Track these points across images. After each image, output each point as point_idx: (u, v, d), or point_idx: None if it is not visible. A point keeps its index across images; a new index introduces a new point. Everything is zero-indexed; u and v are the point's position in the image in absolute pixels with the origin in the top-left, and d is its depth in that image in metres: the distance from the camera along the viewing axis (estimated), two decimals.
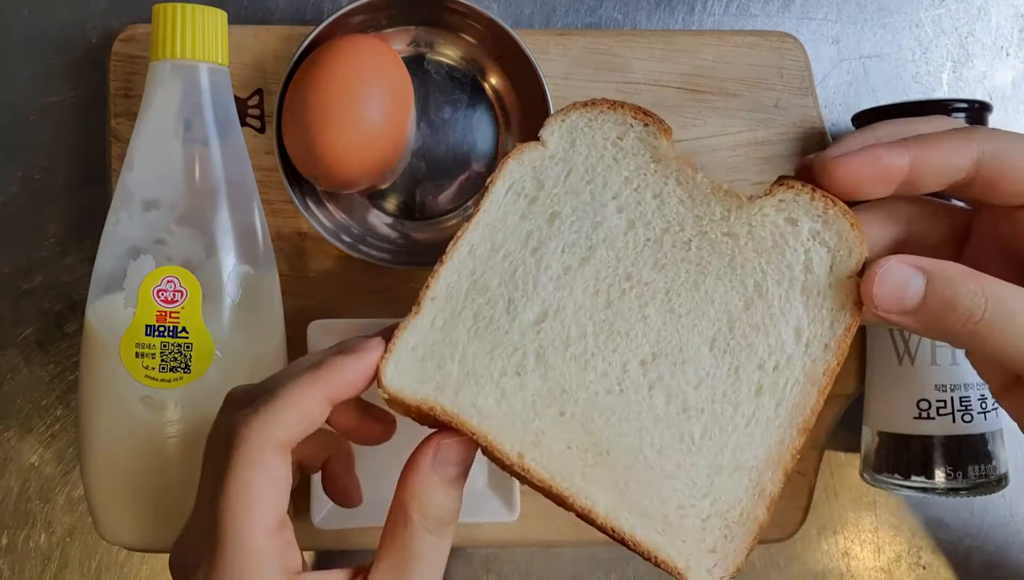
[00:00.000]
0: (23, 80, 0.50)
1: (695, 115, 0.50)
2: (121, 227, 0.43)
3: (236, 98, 0.49)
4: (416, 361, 0.36)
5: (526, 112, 0.49)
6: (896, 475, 0.47)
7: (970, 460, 0.46)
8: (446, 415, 0.35)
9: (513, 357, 0.36)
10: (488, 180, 0.38)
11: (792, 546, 0.53)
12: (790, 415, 0.36)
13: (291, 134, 0.45)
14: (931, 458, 0.46)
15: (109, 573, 0.51)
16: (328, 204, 0.49)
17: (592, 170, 0.38)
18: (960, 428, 0.46)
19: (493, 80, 0.49)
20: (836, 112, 0.53)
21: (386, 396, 0.36)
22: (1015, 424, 0.37)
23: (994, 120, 0.53)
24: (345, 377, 0.34)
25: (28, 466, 0.51)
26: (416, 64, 0.49)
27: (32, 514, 0.51)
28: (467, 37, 0.48)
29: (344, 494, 0.44)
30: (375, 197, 0.50)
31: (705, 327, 0.37)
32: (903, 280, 0.33)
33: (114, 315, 0.42)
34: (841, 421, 0.52)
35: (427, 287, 0.37)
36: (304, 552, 0.51)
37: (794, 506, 0.50)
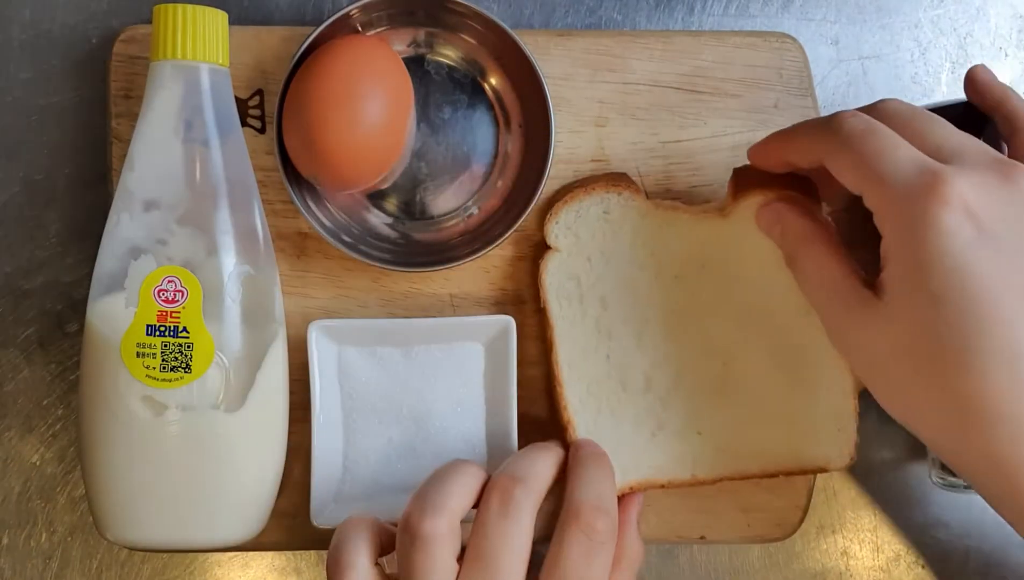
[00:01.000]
0: (24, 80, 0.51)
1: (695, 115, 0.50)
2: (122, 227, 0.43)
3: (236, 99, 0.49)
4: None
5: (526, 112, 0.49)
6: None
7: None
8: (640, 486, 0.47)
9: (649, 419, 0.47)
10: (541, 304, 0.47)
11: (791, 545, 0.53)
12: None
13: (291, 134, 0.45)
14: None
15: (110, 572, 0.51)
16: (328, 204, 0.49)
17: (604, 248, 0.47)
18: None
19: (493, 80, 0.49)
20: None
21: None
22: None
23: None
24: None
25: (29, 465, 0.51)
26: (416, 64, 0.49)
27: (33, 513, 0.51)
28: (467, 37, 0.49)
29: None
30: (375, 197, 0.50)
31: (749, 313, 0.47)
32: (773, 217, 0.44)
33: (115, 315, 0.42)
34: None
35: (564, 407, 0.47)
36: (304, 552, 0.52)
37: (793, 506, 0.51)
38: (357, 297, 0.49)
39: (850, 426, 0.47)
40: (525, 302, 0.50)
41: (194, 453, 0.42)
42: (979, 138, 0.39)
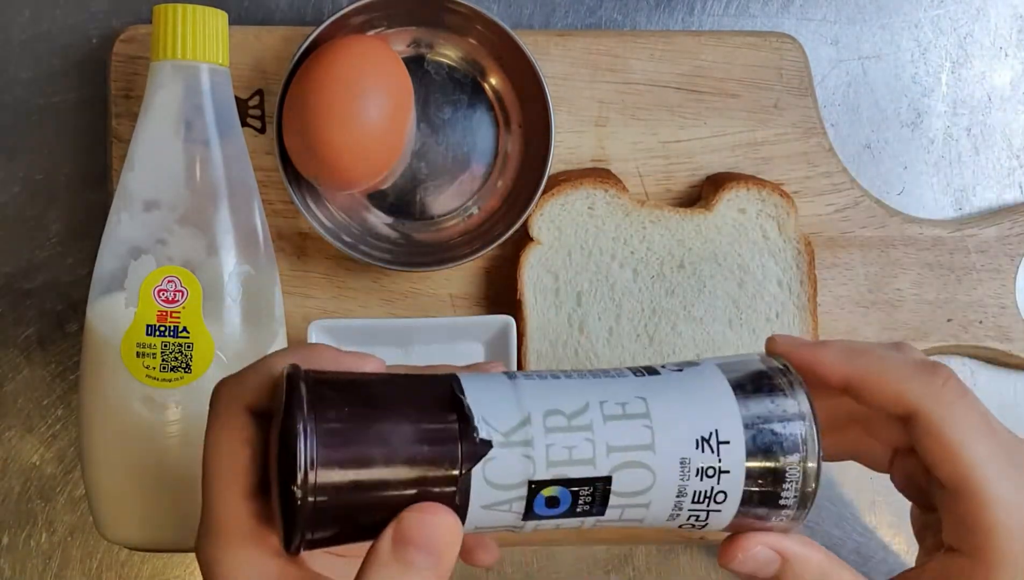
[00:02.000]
0: (24, 81, 0.51)
1: (695, 115, 0.50)
2: (122, 227, 0.43)
3: (237, 99, 0.49)
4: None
5: (526, 112, 0.49)
6: None
7: None
8: None
9: None
10: (517, 296, 0.48)
11: None
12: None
13: (291, 134, 0.45)
14: None
15: (110, 572, 0.51)
16: (328, 204, 0.49)
17: (586, 244, 0.48)
18: None
19: (493, 80, 0.49)
20: (835, 112, 0.53)
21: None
22: None
23: (993, 121, 0.53)
24: (321, 353, 0.33)
25: (29, 466, 0.51)
26: (416, 64, 0.49)
27: (33, 514, 0.51)
28: (467, 37, 0.49)
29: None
30: (375, 197, 0.50)
31: (720, 315, 0.48)
32: (763, 560, 0.33)
33: (115, 315, 0.42)
34: None
35: None
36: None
37: None
38: (357, 297, 0.49)
39: None
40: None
41: (194, 453, 0.41)
42: None
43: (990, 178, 0.53)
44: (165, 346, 0.41)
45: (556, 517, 0.30)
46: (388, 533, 0.29)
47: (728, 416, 0.31)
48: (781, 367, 0.32)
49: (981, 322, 0.51)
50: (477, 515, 0.30)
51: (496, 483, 0.29)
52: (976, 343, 0.51)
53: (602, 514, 0.31)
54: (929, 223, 0.51)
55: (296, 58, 0.46)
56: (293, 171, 0.46)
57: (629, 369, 0.34)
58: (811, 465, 0.31)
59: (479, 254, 0.47)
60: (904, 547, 0.53)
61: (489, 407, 0.29)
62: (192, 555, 0.52)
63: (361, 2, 0.46)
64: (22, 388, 0.51)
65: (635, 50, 0.50)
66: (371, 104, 0.44)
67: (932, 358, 0.50)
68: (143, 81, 0.48)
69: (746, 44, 0.50)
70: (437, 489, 0.29)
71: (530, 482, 0.29)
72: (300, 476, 0.27)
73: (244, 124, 0.49)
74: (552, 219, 0.48)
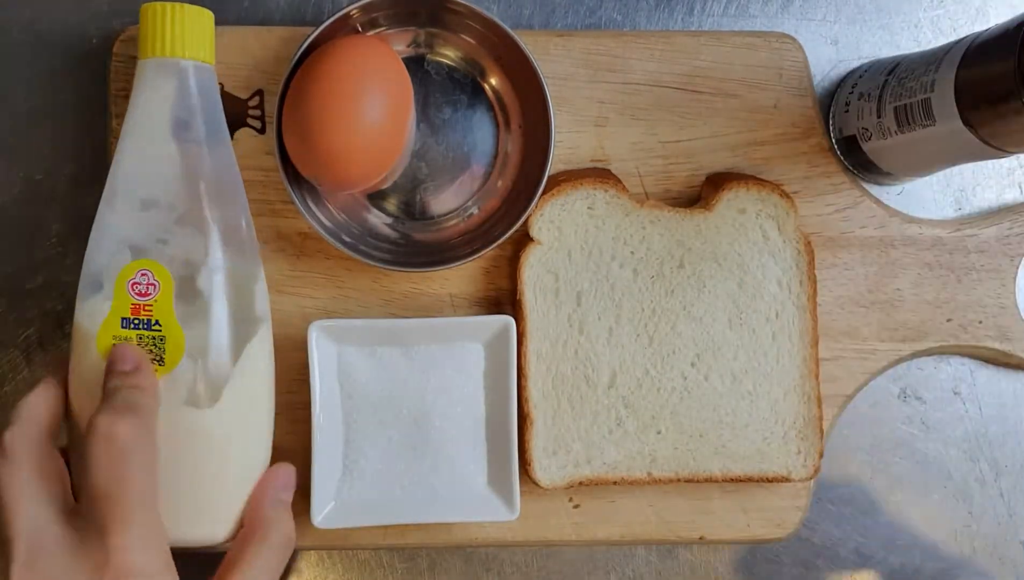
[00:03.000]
0: (24, 81, 0.51)
1: (695, 115, 0.50)
2: (105, 223, 0.43)
3: (237, 98, 0.49)
4: (551, 455, 0.48)
5: (526, 112, 0.49)
6: None
7: None
8: (589, 480, 0.48)
9: (610, 415, 0.48)
10: (517, 296, 0.48)
11: (792, 545, 0.53)
12: (801, 339, 0.49)
13: (291, 134, 0.45)
14: None
15: None
16: (328, 204, 0.49)
17: (586, 244, 0.48)
18: None
19: (493, 80, 0.49)
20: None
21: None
22: None
23: None
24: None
25: None
26: (416, 64, 0.49)
27: None
28: (467, 37, 0.49)
29: None
30: (375, 197, 0.50)
31: (720, 315, 0.48)
32: None
33: (95, 310, 0.42)
34: (840, 421, 0.52)
35: (526, 401, 0.48)
36: (304, 552, 0.52)
37: (793, 506, 0.51)
38: (357, 297, 0.49)
39: (813, 435, 0.49)
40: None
41: (169, 448, 0.41)
42: None
43: (990, 178, 0.53)
44: (140, 339, 0.41)
45: None
46: None
47: None
48: None
49: (981, 322, 0.51)
50: None
51: None
52: (976, 343, 0.51)
53: None
54: (929, 223, 0.51)
55: (296, 58, 0.46)
56: (293, 171, 0.46)
57: None
58: None
59: (479, 254, 0.47)
60: (904, 547, 0.53)
61: None
62: (193, 556, 0.52)
63: (361, 2, 0.46)
64: (22, 388, 0.51)
65: (635, 50, 0.50)
66: (371, 104, 0.44)
67: (932, 358, 0.50)
68: None
69: (746, 44, 0.50)
70: None
71: None
72: None
73: (244, 124, 0.49)
74: (552, 219, 0.48)
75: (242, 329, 0.43)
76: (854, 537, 0.53)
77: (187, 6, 0.43)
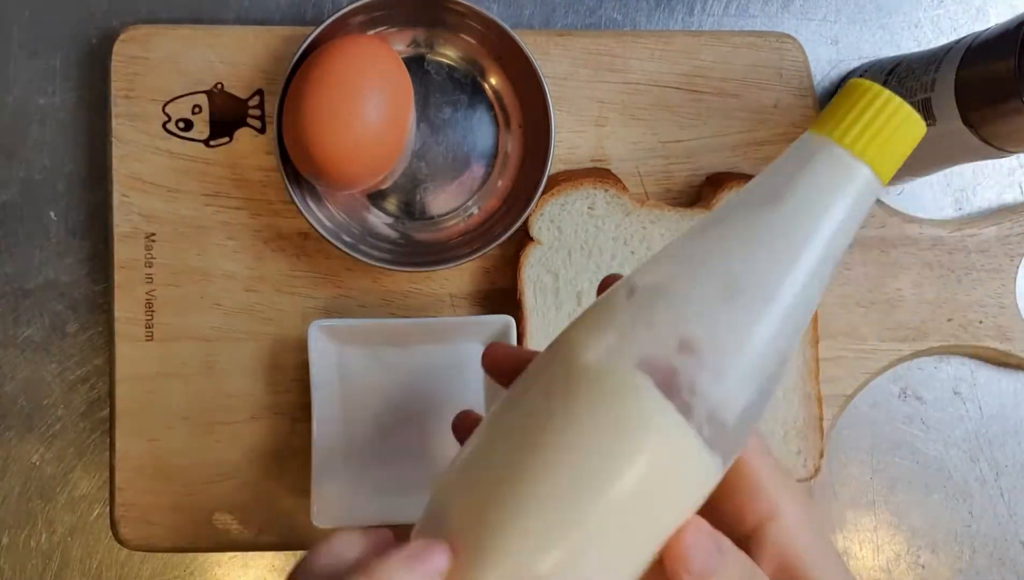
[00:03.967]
0: (24, 80, 0.51)
1: (695, 115, 0.50)
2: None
3: (237, 98, 0.49)
4: None
5: (526, 112, 0.49)
6: None
7: None
8: None
9: None
10: (517, 296, 0.48)
11: None
12: (801, 339, 0.48)
13: (291, 134, 0.45)
14: None
15: (110, 572, 0.51)
16: (328, 204, 0.49)
17: (586, 244, 0.48)
18: None
19: (493, 80, 0.49)
20: None
21: None
22: None
23: None
24: None
25: (29, 466, 0.51)
26: (416, 64, 0.49)
27: (33, 514, 0.51)
28: (467, 37, 0.49)
29: None
30: (375, 197, 0.50)
31: None
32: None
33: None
34: (840, 421, 0.52)
35: None
36: (304, 552, 0.52)
37: None
38: (357, 297, 0.49)
39: (814, 435, 0.48)
40: None
41: None
42: None
43: (990, 178, 0.53)
44: None
45: None
46: None
47: None
48: None
49: (981, 322, 0.51)
50: None
51: None
52: (976, 343, 0.51)
53: None
54: (929, 223, 0.51)
55: (296, 58, 0.46)
56: (293, 171, 0.46)
57: None
58: None
59: (479, 254, 0.47)
60: (904, 547, 0.53)
61: None
62: (192, 555, 0.52)
63: (361, 2, 0.46)
64: (22, 388, 0.51)
65: (635, 50, 0.50)
66: (371, 104, 0.44)
67: (933, 358, 0.50)
68: (143, 81, 0.48)
69: (746, 44, 0.50)
70: None
71: None
72: None
73: (244, 124, 0.49)
74: (552, 219, 0.48)
75: None
76: (854, 537, 0.53)
77: (909, 107, 0.31)
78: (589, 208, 0.48)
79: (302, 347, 0.46)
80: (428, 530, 0.29)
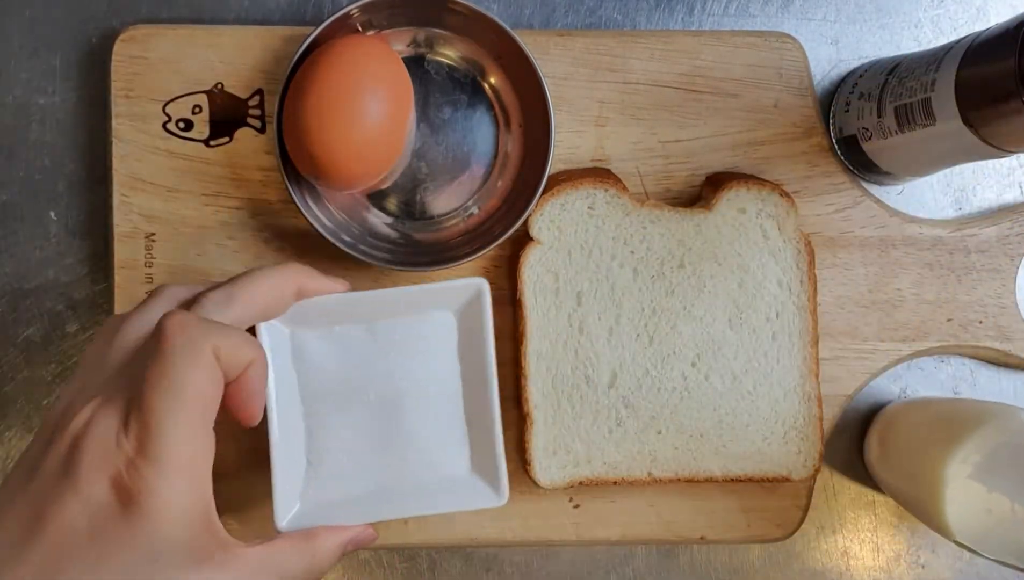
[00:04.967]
0: (24, 80, 0.51)
1: (695, 115, 0.50)
2: None
3: (237, 98, 0.49)
4: (551, 455, 0.48)
5: (526, 112, 0.49)
6: None
7: None
8: (590, 480, 0.48)
9: (610, 415, 0.48)
10: (517, 295, 0.48)
11: (792, 545, 0.53)
12: (801, 339, 0.49)
13: (291, 134, 0.45)
14: None
15: None
16: (328, 204, 0.49)
17: (586, 244, 0.48)
18: None
19: (493, 80, 0.49)
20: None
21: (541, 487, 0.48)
22: None
23: None
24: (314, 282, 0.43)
25: None
26: (416, 64, 0.49)
27: None
28: (467, 37, 0.49)
29: (249, 410, 0.39)
30: (375, 197, 0.50)
31: (720, 315, 0.48)
32: None
33: None
34: (840, 421, 0.52)
35: (525, 401, 0.47)
36: None
37: (794, 506, 0.51)
38: None
39: (814, 435, 0.49)
40: None
41: None
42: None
43: (990, 178, 0.53)
44: None
45: None
46: None
47: None
48: None
49: (981, 322, 0.51)
50: None
51: None
52: (976, 343, 0.51)
53: None
54: (929, 223, 0.51)
55: (296, 58, 0.46)
56: (293, 171, 0.46)
57: None
58: None
59: (479, 254, 0.47)
60: (904, 547, 0.53)
61: None
62: None
63: (361, 2, 0.46)
64: (22, 388, 0.51)
65: (635, 50, 0.50)
66: (371, 104, 0.44)
67: (932, 358, 0.50)
68: (143, 81, 0.49)
69: (746, 44, 0.50)
70: None
71: None
72: None
73: (244, 124, 0.49)
74: (552, 219, 0.48)
75: None
76: (853, 538, 0.53)
77: None
78: (589, 208, 0.48)
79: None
80: None
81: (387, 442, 0.44)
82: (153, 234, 0.49)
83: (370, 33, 0.48)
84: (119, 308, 0.49)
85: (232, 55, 0.49)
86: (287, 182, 0.46)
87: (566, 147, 0.50)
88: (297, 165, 0.46)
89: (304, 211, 0.47)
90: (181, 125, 0.49)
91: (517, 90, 0.49)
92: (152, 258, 0.49)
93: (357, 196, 0.49)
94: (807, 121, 0.51)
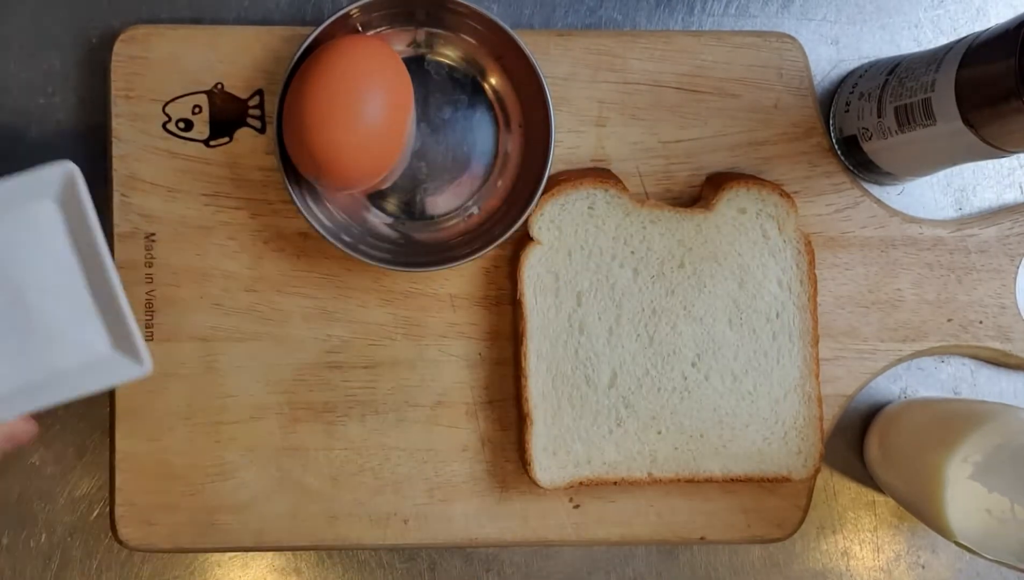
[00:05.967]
0: (24, 80, 0.50)
1: (695, 115, 0.50)
2: None
3: (237, 98, 0.49)
4: (551, 455, 0.48)
5: (526, 112, 0.49)
6: None
7: None
8: (589, 480, 0.48)
9: (610, 415, 0.48)
10: (517, 295, 0.48)
11: (792, 546, 0.53)
12: (801, 339, 0.49)
13: (291, 134, 0.45)
14: None
15: (110, 572, 0.51)
16: (328, 204, 0.49)
17: (586, 244, 0.48)
18: None
19: (493, 80, 0.49)
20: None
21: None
22: None
23: None
24: None
25: (29, 466, 0.51)
26: (416, 64, 0.49)
27: (33, 514, 0.51)
28: (467, 37, 0.49)
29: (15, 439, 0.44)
30: (375, 197, 0.50)
31: (720, 315, 0.48)
32: None
33: None
34: (840, 421, 0.52)
35: (525, 400, 0.48)
36: (304, 552, 0.52)
37: (794, 506, 0.51)
38: (357, 297, 0.49)
39: (814, 435, 0.49)
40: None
41: None
42: None
43: (990, 178, 0.53)
44: None
45: None
46: None
47: None
48: None
49: (981, 322, 0.51)
50: None
51: None
52: (976, 343, 0.51)
53: None
54: (929, 223, 0.51)
55: (296, 58, 0.46)
56: (293, 171, 0.46)
57: None
58: None
59: (479, 254, 0.47)
60: (904, 547, 0.53)
61: None
62: (192, 555, 0.52)
63: (361, 2, 0.46)
64: None
65: (635, 50, 0.50)
66: (371, 104, 0.44)
67: (932, 358, 0.50)
68: (143, 81, 0.49)
69: (746, 44, 0.50)
70: None
71: None
72: None
73: (244, 124, 0.49)
74: (552, 219, 0.48)
75: None
76: (853, 538, 0.53)
77: None
78: (589, 208, 0.48)
79: (302, 347, 0.46)
80: None
81: (22, 339, 0.43)
82: (153, 234, 0.49)
83: (370, 33, 0.48)
84: None
85: (232, 55, 0.49)
86: (287, 182, 0.46)
87: (566, 147, 0.50)
88: (297, 165, 0.46)
89: (304, 211, 0.47)
90: (181, 125, 0.49)
91: (517, 90, 0.49)
92: (152, 258, 0.49)
93: (357, 196, 0.49)
94: (807, 121, 0.51)
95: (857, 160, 0.50)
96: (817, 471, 0.49)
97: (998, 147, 0.42)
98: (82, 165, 0.50)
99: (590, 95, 0.50)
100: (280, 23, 0.51)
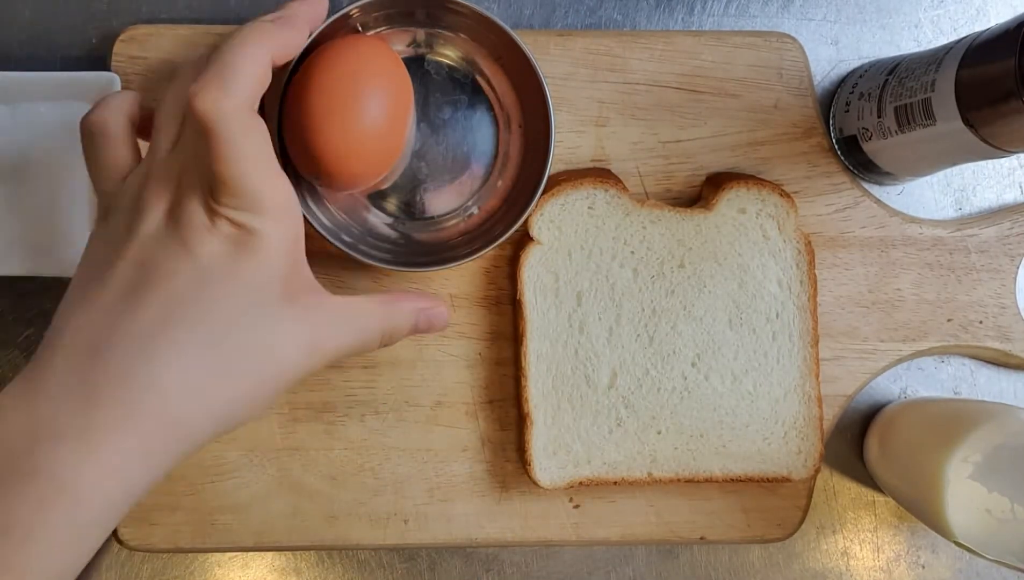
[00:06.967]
0: None
1: (695, 116, 0.50)
2: None
3: None
4: (551, 456, 0.48)
5: (526, 112, 0.49)
6: None
7: None
8: (589, 480, 0.48)
9: (610, 415, 0.48)
10: (517, 296, 0.48)
11: (792, 545, 0.53)
12: (801, 339, 0.49)
13: (291, 134, 0.45)
14: None
15: (110, 573, 0.51)
16: (328, 204, 0.49)
17: (586, 244, 0.48)
18: None
19: (493, 80, 0.49)
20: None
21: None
22: None
23: None
24: (288, 39, 0.40)
25: None
26: (416, 64, 0.49)
27: None
28: (467, 37, 0.48)
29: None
30: (375, 197, 0.50)
31: (720, 315, 0.48)
32: None
33: None
34: (840, 421, 0.52)
35: (525, 400, 0.48)
36: (304, 552, 0.52)
37: (794, 506, 0.51)
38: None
39: (814, 435, 0.49)
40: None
41: None
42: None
43: (990, 178, 0.53)
44: None
45: None
46: None
47: None
48: None
49: (981, 322, 0.51)
50: None
51: None
52: (976, 343, 0.51)
53: None
54: (929, 223, 0.51)
55: (296, 58, 0.46)
56: (293, 171, 0.46)
57: None
58: None
59: (479, 254, 0.47)
60: (904, 547, 0.53)
61: None
62: (192, 555, 0.52)
63: (361, 2, 0.46)
64: None
65: (635, 50, 0.50)
66: (371, 104, 0.44)
67: (932, 358, 0.50)
68: (143, 81, 0.48)
69: (746, 44, 0.50)
70: None
71: None
72: None
73: None
74: (552, 219, 0.48)
75: None
76: (852, 538, 0.53)
77: None
78: (589, 208, 0.48)
79: None
80: None
81: (25, 205, 0.47)
82: None
83: (370, 33, 0.48)
84: None
85: None
86: None
87: (566, 147, 0.50)
88: (297, 165, 0.46)
89: (304, 211, 0.46)
90: None
91: (517, 90, 0.49)
92: None
93: (357, 196, 0.49)
94: (807, 121, 0.51)
95: (857, 160, 0.50)
96: (817, 471, 0.49)
97: (998, 147, 0.42)
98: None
99: (590, 95, 0.50)
100: None
